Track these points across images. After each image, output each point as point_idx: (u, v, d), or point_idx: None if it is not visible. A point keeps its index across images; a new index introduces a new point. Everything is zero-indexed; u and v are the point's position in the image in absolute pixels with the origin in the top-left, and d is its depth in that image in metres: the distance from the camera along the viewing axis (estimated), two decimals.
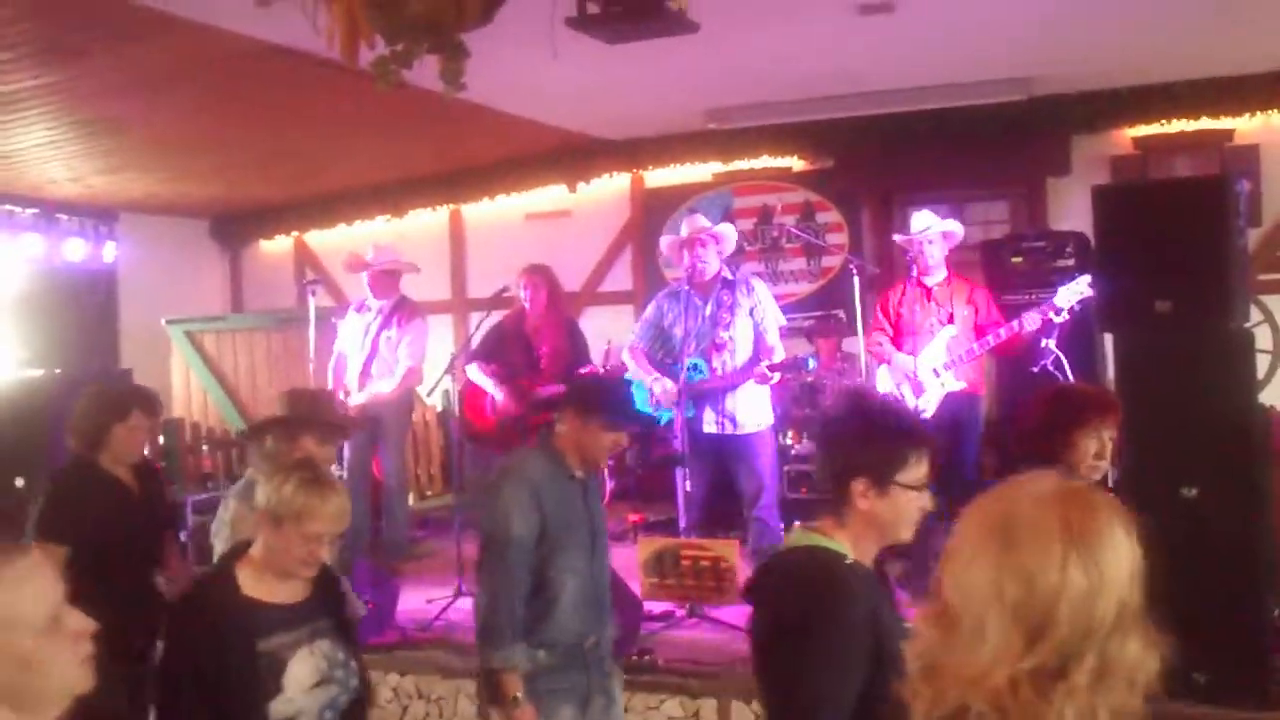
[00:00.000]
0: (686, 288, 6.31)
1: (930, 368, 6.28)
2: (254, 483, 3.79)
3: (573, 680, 3.70)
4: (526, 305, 6.92)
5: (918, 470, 2.47)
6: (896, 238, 6.92)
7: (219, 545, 3.70)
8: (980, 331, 6.27)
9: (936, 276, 6.41)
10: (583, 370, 6.71)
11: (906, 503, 2.46)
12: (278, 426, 3.90)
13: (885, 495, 2.44)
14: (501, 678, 3.54)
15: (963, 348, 6.26)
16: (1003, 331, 6.18)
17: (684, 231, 6.34)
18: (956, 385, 6.28)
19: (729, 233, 6.41)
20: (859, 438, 2.49)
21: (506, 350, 7.04)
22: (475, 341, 7.32)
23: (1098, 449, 3.42)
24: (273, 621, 2.88)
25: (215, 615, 2.83)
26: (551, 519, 3.63)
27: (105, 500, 4.24)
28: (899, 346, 6.45)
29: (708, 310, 6.23)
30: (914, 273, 6.50)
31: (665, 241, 6.60)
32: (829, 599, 2.35)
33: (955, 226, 6.49)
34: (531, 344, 6.98)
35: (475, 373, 7.08)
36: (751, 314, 6.21)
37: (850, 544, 2.48)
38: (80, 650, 1.72)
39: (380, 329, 7.19)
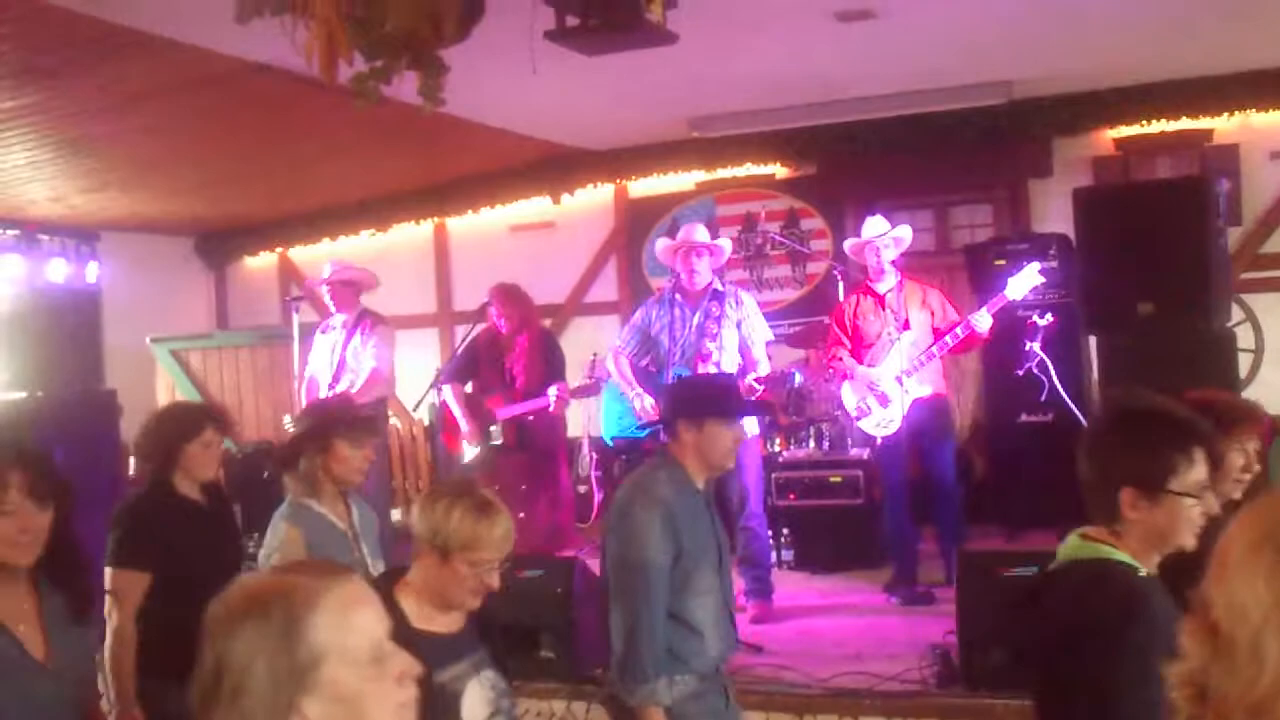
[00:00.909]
0: (676, 296, 6.31)
1: (893, 376, 6.29)
2: (302, 504, 3.74)
3: (714, 705, 3.50)
4: (497, 324, 6.97)
5: (1192, 475, 2.36)
6: (846, 245, 6.94)
7: None
8: (938, 334, 6.29)
9: (887, 283, 6.42)
10: (562, 390, 6.81)
11: (1183, 510, 2.36)
12: (306, 441, 3.78)
13: (1158, 504, 2.36)
14: (643, 715, 3.33)
15: (921, 351, 6.27)
16: (959, 331, 6.20)
17: (681, 236, 6.35)
18: (922, 391, 6.30)
19: (725, 247, 6.44)
20: (1122, 446, 2.42)
21: (480, 369, 7.09)
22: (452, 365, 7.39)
23: (1244, 462, 3.26)
24: (444, 653, 2.73)
25: None
26: (686, 538, 3.42)
27: (184, 523, 4.06)
28: (858, 358, 6.46)
29: (695, 320, 6.23)
30: (841, 283, 6.51)
31: (660, 245, 6.59)
32: (1135, 605, 2.26)
33: (905, 232, 6.50)
34: (504, 362, 7.00)
35: (447, 394, 7.14)
36: (739, 327, 6.21)
37: (1132, 554, 2.39)
38: (403, 694, 1.58)
39: (346, 342, 7.16)
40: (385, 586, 2.81)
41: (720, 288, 6.30)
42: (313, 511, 3.71)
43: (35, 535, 2.61)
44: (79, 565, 2.85)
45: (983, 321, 6.14)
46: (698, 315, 6.22)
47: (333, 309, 7.26)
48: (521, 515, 6.92)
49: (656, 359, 6.32)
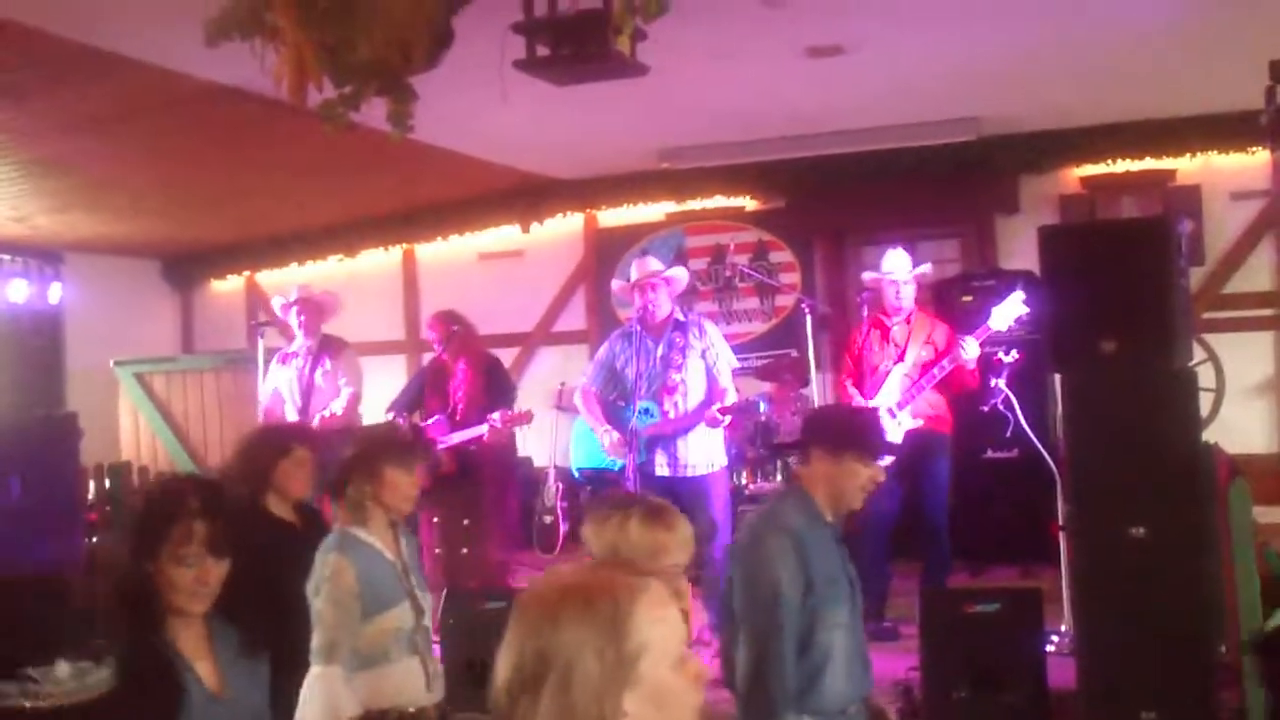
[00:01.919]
0: (638, 328, 6.30)
1: (886, 408, 6.29)
2: (350, 534, 3.56)
3: None
4: (437, 351, 6.93)
5: None
6: (865, 276, 6.92)
7: (318, 603, 3.45)
8: (925, 368, 6.29)
9: (899, 316, 6.45)
10: (505, 416, 6.62)
11: None
12: (356, 469, 3.66)
13: None
14: None
15: (913, 384, 6.28)
16: (946, 363, 6.21)
17: (634, 275, 6.34)
18: (914, 423, 6.29)
19: (680, 275, 6.40)
20: None
21: (425, 398, 7.04)
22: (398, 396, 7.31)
23: None
24: None
25: None
26: (816, 571, 3.29)
27: (277, 544, 3.98)
28: (860, 387, 6.47)
29: (659, 352, 6.20)
30: (865, 312, 6.53)
31: (616, 285, 6.62)
32: None
33: (925, 269, 6.55)
34: (447, 389, 6.94)
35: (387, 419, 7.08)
36: (704, 356, 6.20)
37: None
38: (698, 696, 1.62)
39: (314, 367, 7.14)
40: None
41: (682, 318, 6.28)
42: (361, 541, 3.57)
43: (212, 586, 2.66)
44: (248, 603, 2.86)
45: (971, 349, 6.16)
46: (661, 347, 6.20)
47: (299, 333, 7.22)
48: (464, 551, 6.85)
49: (623, 393, 6.30)
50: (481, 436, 6.67)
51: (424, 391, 7.11)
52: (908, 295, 6.44)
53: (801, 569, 3.27)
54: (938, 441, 6.43)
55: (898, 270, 6.43)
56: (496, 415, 6.60)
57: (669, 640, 1.59)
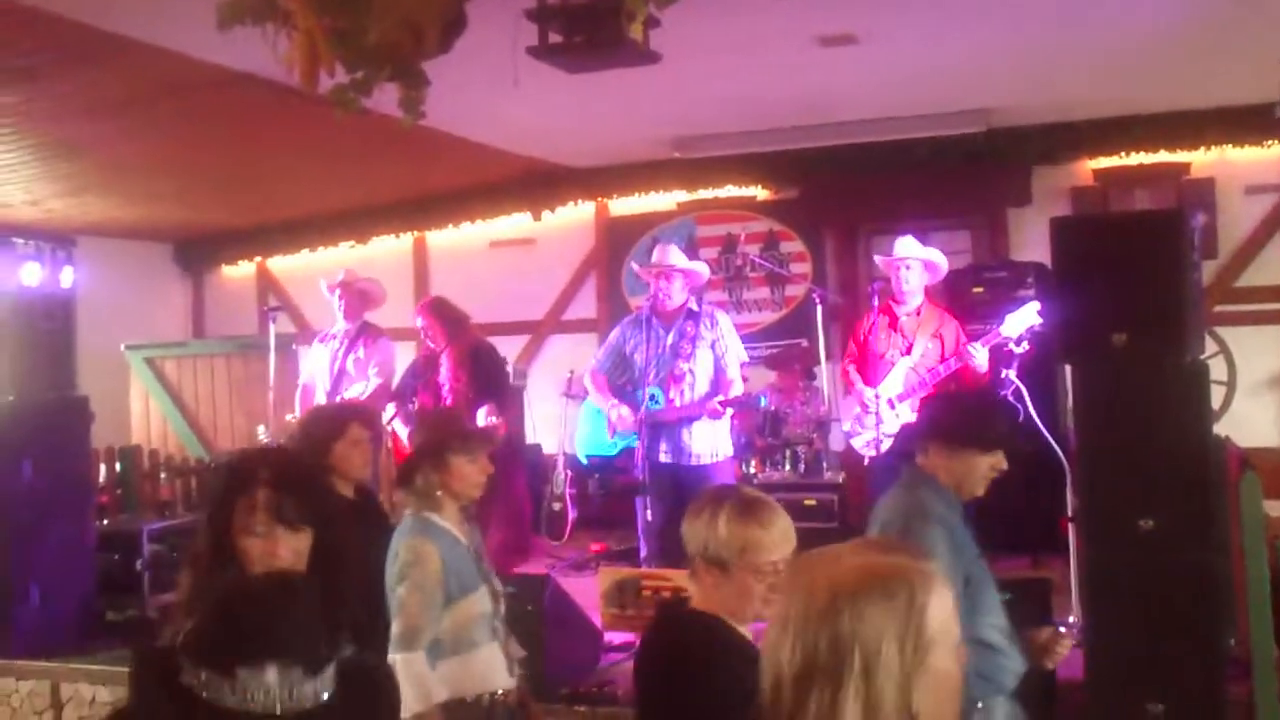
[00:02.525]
0: (651, 315, 6.31)
1: (886, 399, 6.29)
2: (428, 520, 3.51)
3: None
4: (425, 340, 6.93)
5: None
6: (877, 258, 6.90)
7: (401, 590, 3.39)
8: (942, 360, 6.28)
9: (909, 305, 6.41)
10: (484, 409, 6.56)
11: None
12: (423, 459, 3.60)
13: None
14: None
15: (918, 378, 6.28)
16: (953, 361, 6.21)
17: (656, 258, 6.36)
18: (913, 417, 6.29)
19: (700, 270, 6.44)
20: None
21: (417, 389, 7.04)
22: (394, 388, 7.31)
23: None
24: None
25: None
26: (966, 556, 3.30)
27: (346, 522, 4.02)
28: (863, 375, 6.46)
29: (669, 340, 6.23)
30: (875, 301, 6.51)
31: (637, 267, 6.67)
32: None
33: (937, 257, 6.49)
34: (435, 379, 6.95)
35: (388, 414, 7.09)
36: (713, 347, 6.21)
37: None
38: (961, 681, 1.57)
39: (347, 352, 7.16)
40: (681, 610, 2.68)
41: (696, 308, 6.29)
42: (440, 526, 3.53)
43: (284, 557, 2.47)
44: (335, 589, 2.73)
45: (979, 355, 6.14)
46: (672, 335, 6.22)
47: (340, 315, 7.24)
48: None
49: (631, 378, 6.32)
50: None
51: (415, 383, 7.11)
52: (915, 279, 6.38)
53: (958, 556, 3.26)
54: None
55: (905, 249, 6.39)
56: (480, 413, 6.60)
57: (951, 629, 1.55)
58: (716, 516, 2.61)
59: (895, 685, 1.48)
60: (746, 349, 6.52)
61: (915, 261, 6.37)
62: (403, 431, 7.01)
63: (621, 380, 6.42)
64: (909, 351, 6.33)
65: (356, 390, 7.07)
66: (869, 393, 6.35)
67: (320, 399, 7.15)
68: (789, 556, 2.61)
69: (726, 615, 2.61)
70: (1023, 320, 6.09)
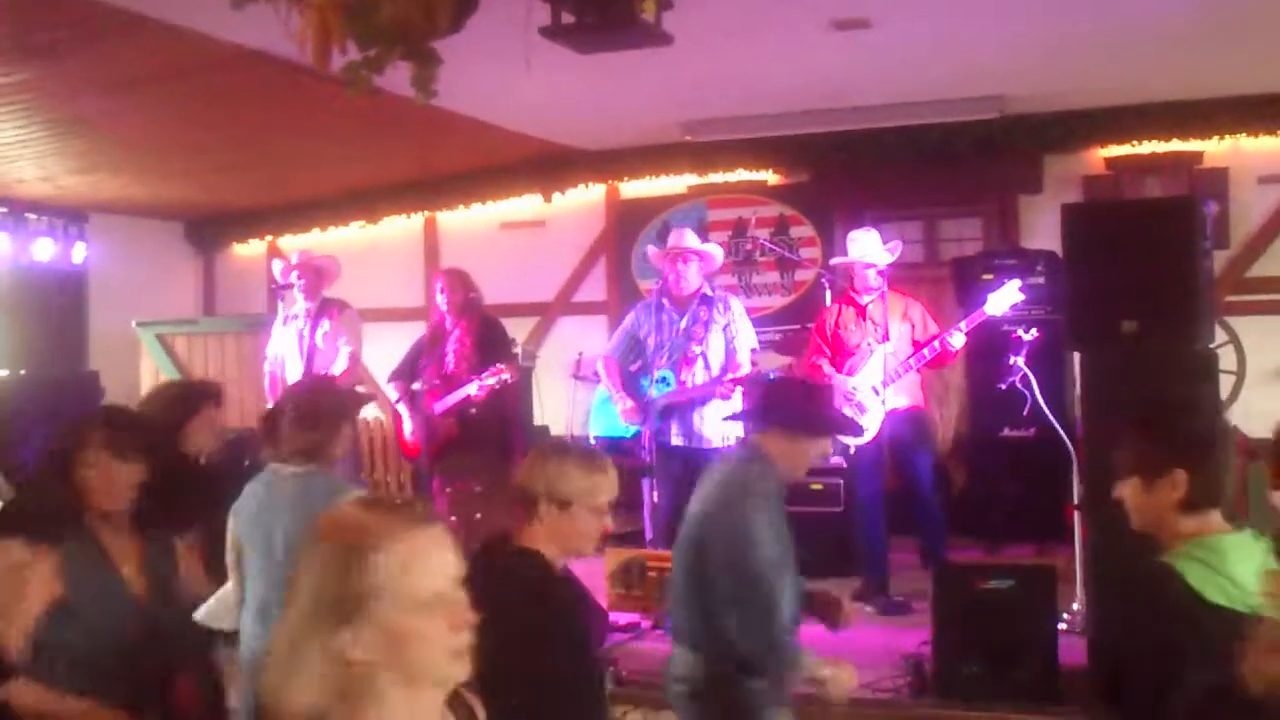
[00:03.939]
0: (664, 300, 6.33)
1: (870, 386, 6.31)
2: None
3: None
4: (443, 308, 6.88)
5: None
6: (834, 261, 6.98)
7: None
8: (917, 347, 6.32)
9: (871, 294, 6.45)
10: (490, 370, 6.45)
11: None
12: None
13: None
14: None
15: (899, 363, 6.31)
16: (936, 345, 6.24)
17: (671, 241, 6.37)
18: (899, 402, 6.33)
19: (715, 253, 6.45)
20: None
21: (423, 363, 6.99)
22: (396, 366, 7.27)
23: None
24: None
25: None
26: (782, 541, 3.58)
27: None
28: (838, 368, 6.47)
29: (683, 324, 6.26)
30: (855, 290, 6.53)
31: (651, 251, 6.67)
32: None
33: (891, 255, 6.50)
34: (443, 351, 6.86)
35: (390, 394, 7.05)
36: (725, 331, 6.24)
37: None
38: (457, 640, 1.68)
39: (314, 329, 7.14)
40: (508, 546, 2.98)
41: (710, 293, 6.32)
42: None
43: (119, 488, 3.01)
44: (168, 519, 3.21)
45: (956, 340, 6.19)
46: (685, 319, 6.25)
47: (299, 296, 7.25)
48: (478, 516, 6.82)
49: (643, 363, 6.33)
50: (471, 396, 6.57)
51: (420, 357, 7.04)
52: (873, 278, 6.44)
53: (779, 536, 3.55)
54: (922, 419, 6.58)
55: (872, 254, 6.41)
56: (476, 381, 6.52)
57: (413, 586, 1.64)
58: (565, 462, 2.94)
59: (304, 622, 1.64)
60: (756, 333, 6.53)
61: (879, 258, 6.39)
62: (403, 412, 6.97)
63: (634, 365, 6.43)
64: (886, 338, 6.36)
65: (334, 368, 6.98)
66: (851, 382, 6.37)
67: (292, 379, 7.06)
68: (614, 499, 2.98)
69: (556, 551, 2.94)
70: (1005, 298, 6.14)
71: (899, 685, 4.91)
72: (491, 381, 6.45)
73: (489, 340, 6.80)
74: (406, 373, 6.99)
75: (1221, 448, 2.61)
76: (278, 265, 7.57)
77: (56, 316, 9.80)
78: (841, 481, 7.23)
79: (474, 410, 6.64)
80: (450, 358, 6.77)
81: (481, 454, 6.68)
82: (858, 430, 6.09)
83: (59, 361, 9.50)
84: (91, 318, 10.13)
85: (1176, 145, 8.18)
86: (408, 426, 6.96)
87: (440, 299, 6.90)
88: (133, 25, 5.42)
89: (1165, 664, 2.30)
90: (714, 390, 6.12)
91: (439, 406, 6.71)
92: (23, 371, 8.18)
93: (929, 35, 6.42)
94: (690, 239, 6.35)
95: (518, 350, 8.00)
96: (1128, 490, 2.59)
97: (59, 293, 9.87)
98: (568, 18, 4.33)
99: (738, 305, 6.39)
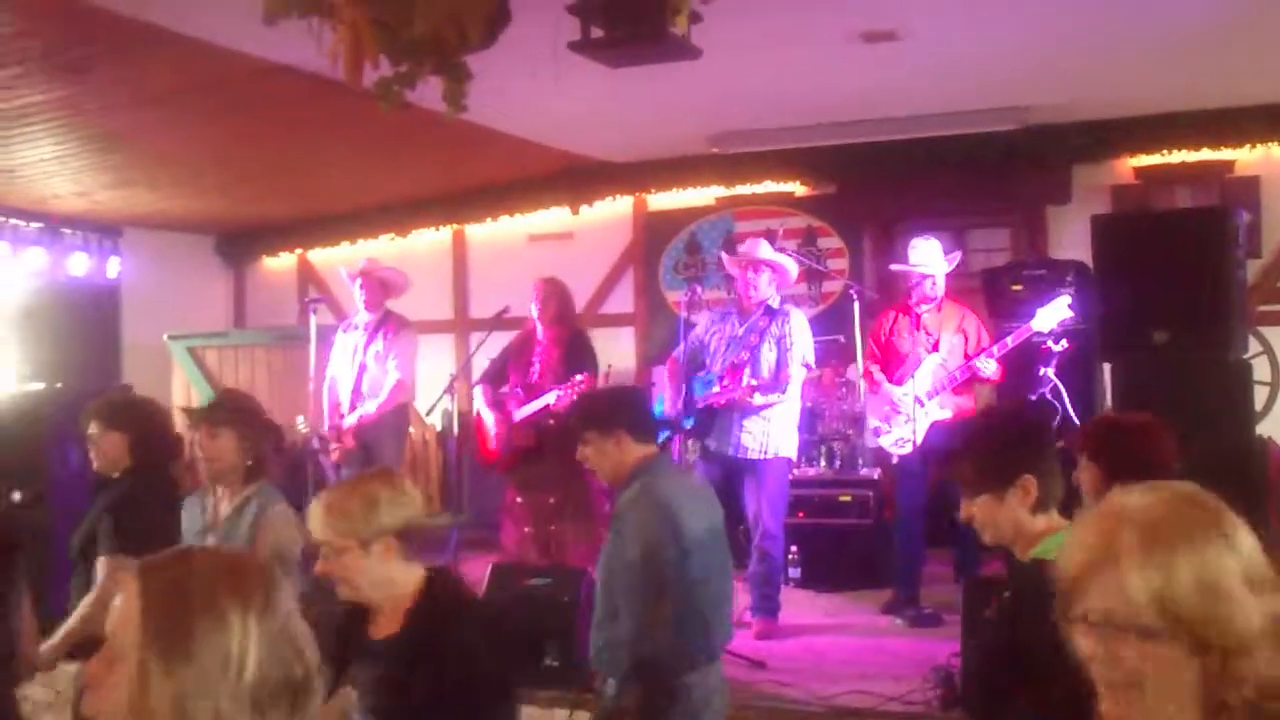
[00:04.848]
0: (733, 309, 6.45)
1: (913, 396, 6.29)
2: None
3: None
4: (535, 316, 6.85)
5: None
6: (893, 268, 6.94)
7: None
8: (967, 359, 6.29)
9: (928, 304, 6.44)
10: (571, 383, 6.41)
11: None
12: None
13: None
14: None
15: (945, 375, 6.28)
16: (959, 373, 6.23)
17: (744, 250, 6.46)
18: (942, 414, 6.29)
19: (790, 266, 6.44)
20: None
21: (509, 370, 6.95)
22: (476, 362, 7.25)
23: None
24: None
25: None
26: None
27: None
28: (888, 375, 6.47)
29: (740, 331, 6.29)
30: (911, 299, 6.51)
31: (726, 258, 6.74)
32: None
33: (950, 265, 6.49)
34: (530, 357, 6.83)
35: (477, 398, 7.02)
36: (780, 342, 6.23)
37: None
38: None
39: (368, 344, 7.06)
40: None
41: (775, 305, 6.34)
42: None
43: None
44: None
45: (987, 368, 6.15)
46: (744, 328, 6.29)
47: (360, 305, 7.20)
48: (552, 528, 6.77)
49: (700, 365, 6.40)
50: (550, 406, 6.52)
51: (507, 364, 6.94)
52: (941, 285, 6.43)
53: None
54: None
55: (932, 264, 6.39)
56: (556, 391, 6.47)
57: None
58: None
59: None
60: (814, 359, 6.52)
61: (944, 270, 6.39)
62: (488, 417, 6.87)
63: (696, 369, 6.45)
64: (936, 348, 6.34)
65: (370, 406, 6.91)
66: (898, 391, 6.35)
67: (344, 395, 7.05)
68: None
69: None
70: (1054, 314, 6.07)
71: (929, 697, 4.88)
72: (571, 394, 6.35)
73: (576, 353, 6.76)
74: (494, 377, 6.97)
75: (1048, 442, 2.70)
76: (343, 271, 7.50)
77: (90, 331, 9.90)
78: (871, 494, 7.21)
79: (552, 421, 6.56)
80: (536, 366, 6.75)
81: (557, 466, 6.52)
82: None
83: (92, 375, 9.58)
84: (124, 331, 10.23)
85: (1207, 154, 8.13)
86: (491, 431, 6.90)
87: (533, 307, 6.85)
88: (165, 41, 5.49)
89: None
90: (746, 395, 6.07)
91: (518, 414, 6.69)
92: (58, 385, 8.25)
93: (957, 47, 6.41)
94: (765, 250, 6.39)
95: (607, 369, 7.99)
96: (978, 509, 2.63)
97: (93, 307, 9.97)
98: (597, 32, 4.35)
99: (799, 318, 6.38)
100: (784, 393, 6.14)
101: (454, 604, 2.90)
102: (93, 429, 4.25)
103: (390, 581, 2.89)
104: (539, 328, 6.83)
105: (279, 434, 4.05)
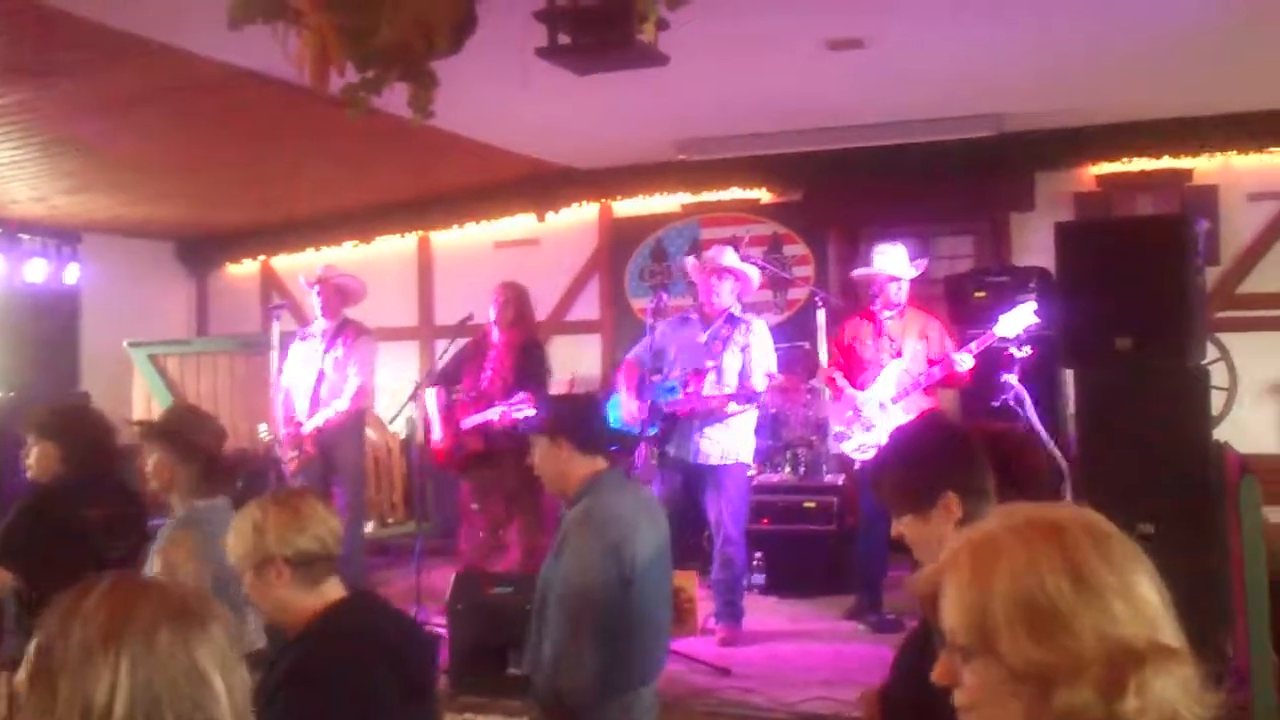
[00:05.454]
0: (693, 315, 6.40)
1: (877, 402, 6.32)
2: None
3: None
4: (493, 319, 6.84)
5: None
6: (856, 273, 6.98)
7: None
8: (930, 365, 6.33)
9: (891, 310, 6.47)
10: (521, 395, 6.45)
11: None
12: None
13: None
14: None
15: (910, 380, 6.32)
16: (936, 371, 6.27)
17: (709, 256, 6.46)
18: (906, 419, 6.32)
19: (753, 275, 6.46)
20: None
21: (462, 373, 6.95)
22: (440, 367, 7.23)
23: None
24: None
25: None
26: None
27: None
28: (851, 381, 6.49)
29: (703, 338, 6.29)
30: (874, 305, 6.55)
31: (690, 263, 6.73)
32: None
33: (916, 270, 6.53)
34: (484, 364, 6.83)
35: (429, 399, 7.01)
36: (744, 351, 6.25)
37: None
38: None
39: (326, 351, 7.04)
40: None
41: (738, 313, 6.35)
42: None
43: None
44: None
45: (964, 362, 6.19)
46: (706, 334, 6.29)
47: (318, 312, 7.18)
48: (504, 535, 6.78)
49: (660, 369, 6.39)
50: (493, 422, 6.57)
51: (462, 367, 6.95)
52: (905, 291, 6.47)
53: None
54: None
55: (898, 268, 6.43)
56: (500, 407, 6.50)
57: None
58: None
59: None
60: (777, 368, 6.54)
61: (909, 275, 6.43)
62: (435, 419, 6.87)
63: (653, 374, 6.45)
64: (899, 354, 6.37)
65: (338, 404, 6.90)
66: (861, 396, 6.39)
67: (302, 401, 7.03)
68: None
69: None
70: (1018, 320, 6.12)
71: None
72: (514, 413, 6.41)
73: (529, 361, 6.76)
74: (446, 378, 6.96)
75: (970, 455, 2.55)
76: (301, 278, 7.48)
77: (48, 338, 9.78)
78: (835, 500, 7.24)
79: (498, 429, 6.60)
80: (488, 371, 6.74)
81: (509, 473, 6.55)
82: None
83: (50, 382, 9.47)
84: (83, 339, 10.12)
85: (1168, 162, 8.22)
86: (436, 432, 6.90)
87: (491, 310, 6.84)
88: (127, 46, 5.43)
89: None
90: (709, 404, 6.12)
91: (466, 422, 6.69)
92: (13, 392, 8.14)
93: (924, 55, 6.45)
94: (729, 257, 6.40)
95: (571, 376, 7.93)
96: (905, 529, 2.53)
97: (51, 313, 9.85)
98: (564, 39, 4.35)
99: (761, 328, 6.40)
100: (757, 404, 6.18)
101: (338, 631, 2.75)
102: (30, 438, 4.22)
103: (284, 608, 2.79)
104: (495, 331, 6.83)
105: (214, 452, 3.88)
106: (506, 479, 6.59)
